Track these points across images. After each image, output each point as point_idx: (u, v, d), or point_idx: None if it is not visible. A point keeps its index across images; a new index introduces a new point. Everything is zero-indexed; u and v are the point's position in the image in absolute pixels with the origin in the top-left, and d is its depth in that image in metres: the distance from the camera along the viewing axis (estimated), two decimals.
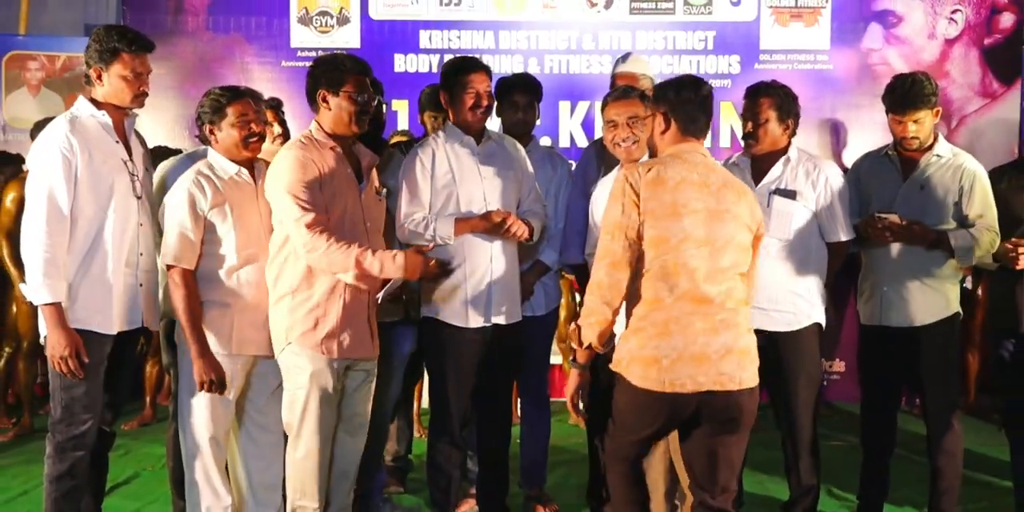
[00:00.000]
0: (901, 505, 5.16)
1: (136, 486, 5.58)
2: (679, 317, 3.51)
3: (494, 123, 4.91)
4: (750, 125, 4.60)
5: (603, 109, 4.39)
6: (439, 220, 4.45)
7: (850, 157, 7.27)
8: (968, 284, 6.65)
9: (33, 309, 4.21)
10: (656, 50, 7.46)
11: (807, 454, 4.66)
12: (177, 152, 5.99)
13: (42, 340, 4.07)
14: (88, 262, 4.04)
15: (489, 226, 4.47)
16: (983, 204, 4.64)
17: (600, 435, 3.96)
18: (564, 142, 7.43)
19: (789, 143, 4.64)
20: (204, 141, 4.32)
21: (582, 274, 4.71)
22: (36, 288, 3.92)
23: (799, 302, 4.55)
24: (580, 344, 3.64)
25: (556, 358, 6.33)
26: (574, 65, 7.50)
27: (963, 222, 4.63)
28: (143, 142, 4.39)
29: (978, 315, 6.84)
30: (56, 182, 3.94)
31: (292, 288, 4.07)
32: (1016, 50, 7.40)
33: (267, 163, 4.23)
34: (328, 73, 4.12)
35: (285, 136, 4.84)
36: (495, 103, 4.74)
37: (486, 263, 4.54)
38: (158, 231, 4.30)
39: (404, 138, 5.91)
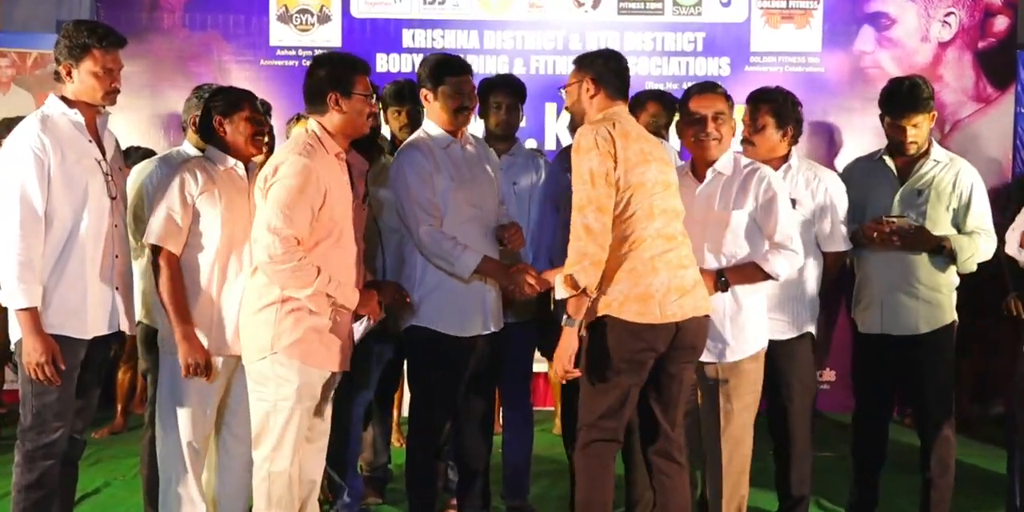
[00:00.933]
0: None
1: (106, 496, 5.50)
2: (660, 255, 3.92)
3: (477, 125, 4.83)
4: (748, 130, 4.59)
5: (683, 103, 4.33)
6: (467, 252, 4.31)
7: (842, 161, 7.22)
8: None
9: (3, 314, 4.08)
10: (644, 51, 7.37)
11: (801, 463, 4.65)
12: (151, 152, 5.92)
13: (12, 346, 3.99)
14: (62, 265, 3.95)
15: (506, 280, 4.39)
16: (981, 209, 4.63)
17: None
18: (550, 144, 7.32)
19: (789, 151, 4.61)
20: (207, 136, 4.28)
21: None
22: (11, 292, 3.83)
23: (800, 310, 4.55)
24: (575, 289, 3.84)
25: (539, 366, 6.23)
26: (560, 66, 7.35)
27: (960, 227, 4.62)
28: (116, 141, 4.30)
29: None
30: (29, 182, 3.85)
31: (283, 297, 3.96)
32: (1010, 54, 7.35)
33: (260, 165, 4.21)
34: (340, 73, 4.04)
35: (271, 142, 4.82)
36: (476, 105, 4.63)
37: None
38: (135, 232, 4.32)
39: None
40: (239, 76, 7.27)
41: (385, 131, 5.40)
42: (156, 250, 4.10)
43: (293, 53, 7.34)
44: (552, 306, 4.76)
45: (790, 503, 4.69)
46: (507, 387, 5.08)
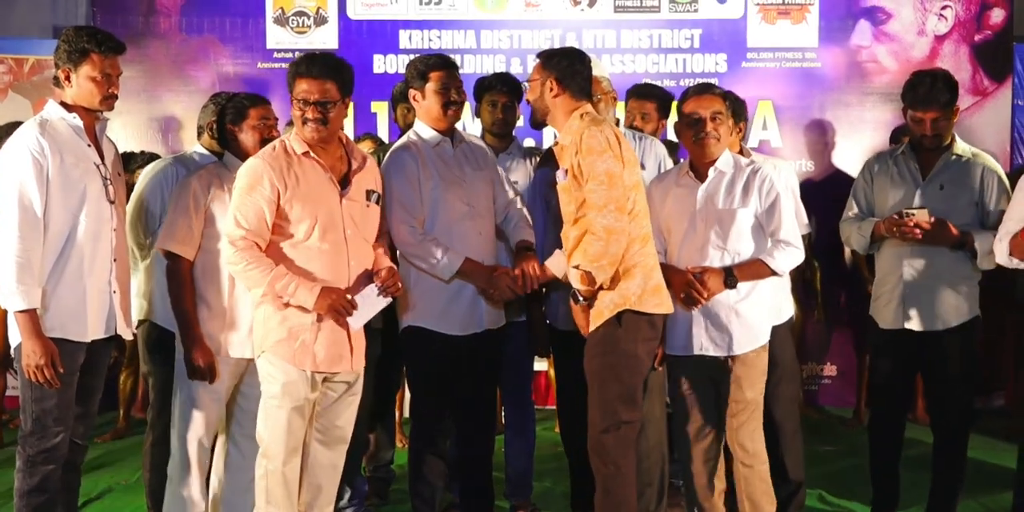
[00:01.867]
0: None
1: (109, 501, 5.48)
2: (653, 252, 4.18)
3: (476, 126, 4.81)
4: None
5: (681, 104, 4.37)
6: (448, 254, 4.33)
7: (838, 156, 7.24)
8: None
9: (2, 318, 4.09)
10: (641, 49, 7.35)
11: (792, 447, 4.72)
12: (151, 156, 5.93)
13: (12, 351, 3.99)
14: (61, 268, 3.97)
15: (485, 283, 4.40)
16: (1004, 204, 4.54)
17: (576, 439, 4.43)
18: (548, 143, 7.27)
19: (741, 148, 4.79)
20: (224, 143, 4.38)
21: None
22: (10, 295, 3.84)
23: (780, 298, 4.65)
24: (591, 285, 4.03)
25: (540, 365, 6.23)
26: None
27: (983, 222, 4.56)
28: (115, 148, 4.32)
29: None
30: (28, 185, 3.86)
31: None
32: (1007, 46, 7.30)
33: None
34: (288, 76, 4.07)
35: None
36: (465, 101, 4.61)
37: None
38: (137, 235, 4.38)
39: (373, 144, 5.81)
40: (236, 79, 7.27)
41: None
42: (169, 255, 4.19)
43: (290, 55, 7.29)
44: (543, 306, 4.78)
45: (790, 489, 4.71)
46: (508, 386, 5.08)
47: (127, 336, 4.29)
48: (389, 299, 4.12)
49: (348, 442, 4.23)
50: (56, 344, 3.91)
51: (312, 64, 4.01)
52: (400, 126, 5.50)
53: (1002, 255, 4.31)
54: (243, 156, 4.23)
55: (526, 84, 4.36)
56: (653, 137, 5.13)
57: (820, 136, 7.29)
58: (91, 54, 3.99)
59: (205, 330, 4.21)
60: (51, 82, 4.13)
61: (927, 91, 4.55)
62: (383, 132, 7.08)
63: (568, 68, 4.21)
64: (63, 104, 4.05)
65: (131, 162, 5.74)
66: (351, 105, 6.61)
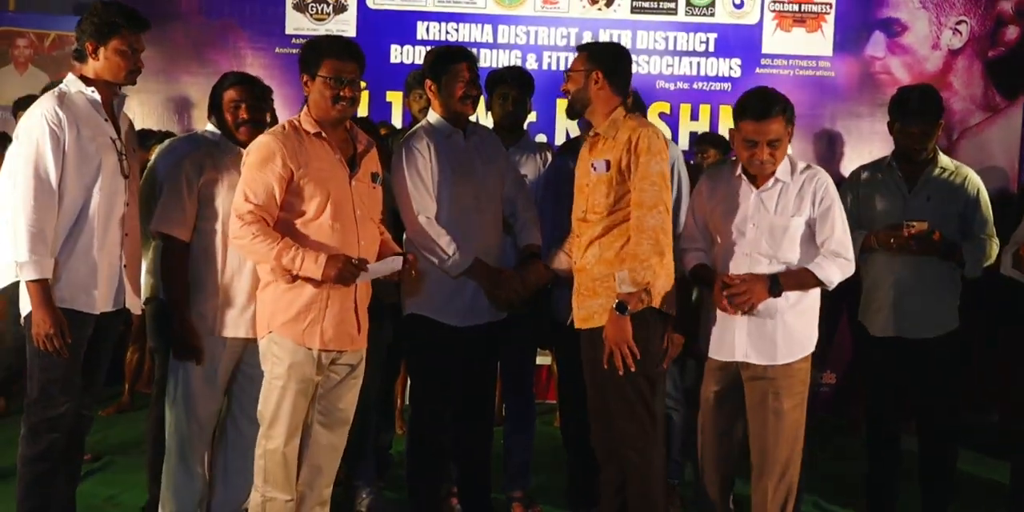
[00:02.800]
0: None
1: (112, 472, 5.56)
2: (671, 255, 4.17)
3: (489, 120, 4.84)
4: None
5: (739, 121, 4.17)
6: (460, 252, 4.36)
7: (847, 166, 7.23)
8: None
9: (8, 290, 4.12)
10: (656, 50, 7.37)
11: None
12: (166, 135, 5.97)
13: (21, 319, 4.03)
14: (73, 240, 4.00)
15: (492, 286, 4.43)
16: (987, 215, 4.68)
17: (577, 433, 4.53)
18: (560, 140, 7.27)
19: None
20: (221, 125, 4.46)
21: None
22: (22, 264, 3.87)
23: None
24: (640, 285, 4.00)
25: (542, 358, 6.25)
26: None
27: (965, 233, 4.65)
28: (131, 123, 4.36)
29: None
30: (44, 156, 3.90)
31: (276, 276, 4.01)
32: (1020, 63, 7.30)
33: None
34: (307, 56, 4.07)
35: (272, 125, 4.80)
36: (481, 94, 4.64)
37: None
38: (146, 212, 4.34)
39: (385, 131, 5.84)
40: (254, 63, 7.27)
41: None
42: (164, 237, 4.25)
43: None
44: (552, 301, 4.79)
45: None
46: (509, 379, 5.11)
47: (136, 310, 4.32)
48: (400, 261, 4.08)
49: (349, 424, 4.24)
50: (65, 315, 3.94)
51: (346, 45, 4.09)
52: (412, 113, 5.52)
53: (1005, 265, 4.38)
54: (234, 137, 4.35)
55: (567, 74, 4.27)
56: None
57: (829, 146, 7.31)
58: (121, 29, 4.02)
59: (199, 310, 4.26)
60: (71, 56, 4.15)
61: (917, 106, 4.64)
62: (397, 121, 7.11)
63: (615, 63, 4.22)
64: (83, 78, 4.07)
65: (147, 140, 5.77)
66: (367, 94, 6.67)
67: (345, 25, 7.42)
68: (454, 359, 4.51)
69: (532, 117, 5.16)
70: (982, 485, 5.65)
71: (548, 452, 5.62)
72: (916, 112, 4.64)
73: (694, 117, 7.34)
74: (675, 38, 7.38)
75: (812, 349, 4.23)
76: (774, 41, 7.36)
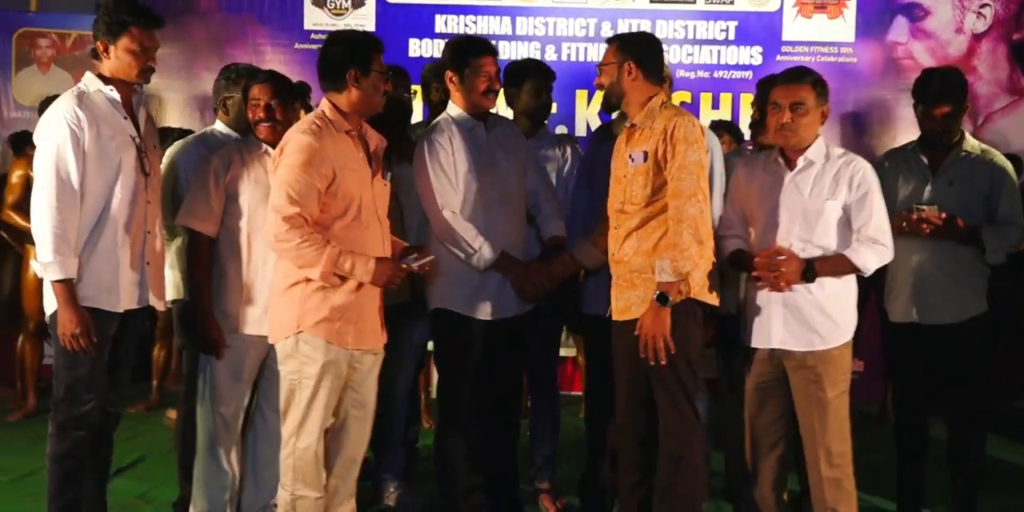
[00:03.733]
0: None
1: (142, 469, 5.60)
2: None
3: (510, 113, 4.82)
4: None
5: (770, 89, 4.22)
6: (486, 245, 4.35)
7: (871, 152, 7.18)
8: None
9: (37, 288, 4.14)
10: (676, 39, 7.36)
11: None
12: (186, 132, 5.96)
13: (47, 318, 4.04)
14: (95, 239, 3.99)
15: (519, 278, 4.42)
16: (1012, 200, 4.60)
17: (602, 424, 4.52)
18: (581, 131, 7.32)
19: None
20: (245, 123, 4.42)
21: None
22: (47, 265, 3.88)
23: None
24: (681, 275, 3.92)
25: (567, 351, 6.24)
26: (592, 53, 7.36)
27: (991, 217, 4.59)
28: (152, 120, 4.34)
29: None
30: (64, 156, 3.89)
31: (308, 276, 3.95)
32: None
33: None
34: (358, 50, 4.00)
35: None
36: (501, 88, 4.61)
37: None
38: (169, 209, 4.36)
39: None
40: (273, 59, 7.31)
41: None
42: (189, 231, 4.27)
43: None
44: (580, 291, 4.76)
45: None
46: (535, 371, 5.10)
47: (159, 307, 4.32)
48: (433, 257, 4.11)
49: (373, 415, 4.24)
50: (90, 313, 3.94)
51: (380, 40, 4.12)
52: (432, 104, 5.49)
53: None
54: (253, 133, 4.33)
55: (600, 68, 4.23)
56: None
57: (853, 132, 7.28)
58: (130, 27, 4.00)
59: (223, 306, 4.28)
60: (89, 55, 4.15)
61: (940, 88, 4.57)
62: (417, 116, 7.10)
63: (647, 52, 4.17)
64: (100, 77, 4.07)
65: (166, 138, 5.77)
66: None
67: (363, 19, 7.44)
68: (481, 353, 4.50)
69: (553, 109, 5.12)
70: (1012, 471, 5.61)
71: (573, 444, 5.61)
72: (938, 94, 4.58)
73: (715, 106, 7.32)
74: (695, 27, 7.38)
75: (851, 336, 4.17)
76: (795, 28, 7.35)
